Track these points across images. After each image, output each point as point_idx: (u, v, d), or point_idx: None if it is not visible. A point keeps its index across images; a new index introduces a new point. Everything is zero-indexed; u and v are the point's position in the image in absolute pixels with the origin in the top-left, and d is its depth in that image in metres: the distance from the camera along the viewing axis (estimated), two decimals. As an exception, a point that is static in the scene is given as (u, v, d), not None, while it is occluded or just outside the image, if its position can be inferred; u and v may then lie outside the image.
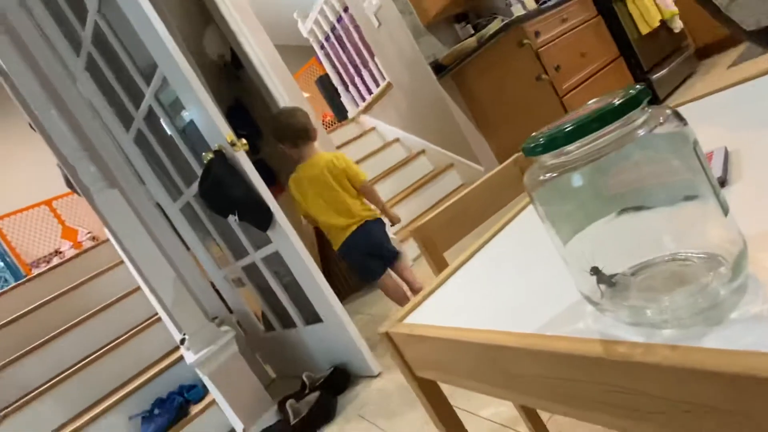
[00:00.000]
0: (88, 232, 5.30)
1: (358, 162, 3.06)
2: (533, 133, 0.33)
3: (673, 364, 0.25)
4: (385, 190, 3.00)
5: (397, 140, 3.53)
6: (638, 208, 0.33)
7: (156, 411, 1.85)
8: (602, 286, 0.31)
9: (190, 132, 1.77)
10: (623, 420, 0.29)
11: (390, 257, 1.77)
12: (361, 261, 1.76)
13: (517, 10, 2.64)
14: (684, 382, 0.25)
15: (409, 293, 1.79)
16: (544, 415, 0.84)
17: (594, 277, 0.33)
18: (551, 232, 0.34)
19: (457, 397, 0.84)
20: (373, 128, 3.74)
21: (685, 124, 0.28)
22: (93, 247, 3.23)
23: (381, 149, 3.41)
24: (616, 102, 0.28)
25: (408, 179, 3.20)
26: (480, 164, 3.01)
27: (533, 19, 2.45)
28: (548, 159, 0.31)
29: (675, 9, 2.82)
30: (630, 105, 0.27)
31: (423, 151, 3.35)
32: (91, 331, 2.38)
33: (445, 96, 2.93)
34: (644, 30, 2.68)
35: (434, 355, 0.47)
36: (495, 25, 2.59)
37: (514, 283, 0.47)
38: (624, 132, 0.28)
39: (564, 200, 0.33)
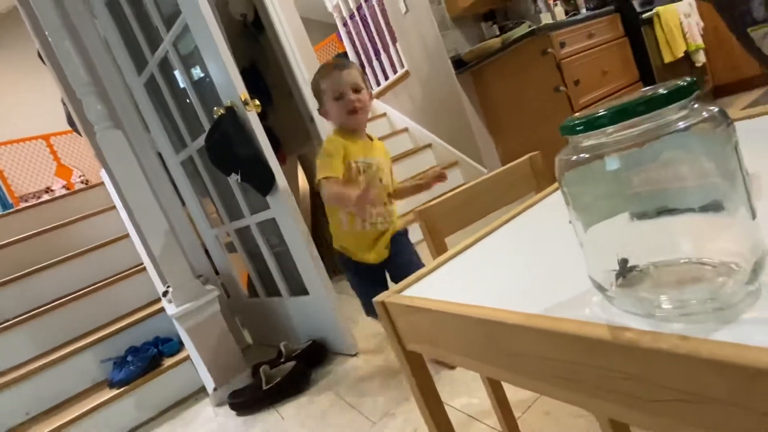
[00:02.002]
0: (81, 175, 5.23)
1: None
2: (572, 116, 0.33)
3: (684, 353, 0.25)
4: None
5: (405, 130, 3.52)
6: (664, 208, 0.33)
7: (129, 358, 1.85)
8: (619, 278, 0.31)
9: (203, 85, 1.75)
10: (622, 407, 0.29)
11: None
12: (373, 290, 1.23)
13: (546, 18, 2.63)
14: (691, 372, 0.25)
15: None
16: (516, 411, 0.85)
17: (612, 268, 0.33)
18: (574, 216, 0.34)
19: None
20: (384, 114, 3.72)
21: (730, 123, 0.28)
22: (85, 189, 3.19)
23: (388, 136, 3.39)
24: (665, 90, 0.27)
25: (410, 171, 3.19)
26: (484, 166, 3.01)
27: (560, 30, 2.43)
28: (584, 140, 0.31)
29: (701, 43, 2.82)
30: (679, 94, 0.27)
31: (430, 145, 3.34)
32: (73, 271, 2.36)
33: (460, 93, 2.91)
34: (667, 58, 2.68)
35: (430, 329, 0.47)
36: (522, 30, 2.58)
37: (521, 268, 0.47)
38: (666, 122, 0.28)
39: (592, 186, 0.33)
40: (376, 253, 1.35)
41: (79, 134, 2.26)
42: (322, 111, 1.34)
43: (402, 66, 3.39)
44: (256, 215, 1.74)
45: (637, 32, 2.68)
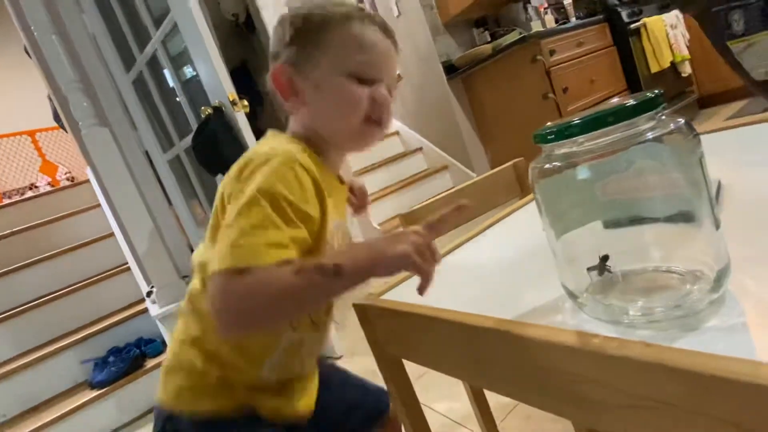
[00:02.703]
0: (67, 172, 5.16)
1: (354, 147, 3.04)
2: (547, 124, 0.33)
3: (646, 360, 0.25)
4: (375, 182, 2.99)
5: (396, 133, 3.53)
6: (634, 218, 0.34)
7: (110, 359, 1.82)
8: (593, 275, 0.32)
9: (191, 85, 1.74)
10: (588, 413, 0.30)
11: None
12: None
13: (536, 26, 2.66)
14: (654, 378, 0.25)
15: None
16: (497, 416, 0.86)
17: (584, 276, 0.33)
18: (546, 224, 0.34)
19: (414, 387, 0.85)
20: (375, 117, 3.73)
21: (695, 135, 0.29)
22: (70, 186, 3.14)
23: (379, 139, 3.39)
24: (633, 102, 0.28)
25: (400, 174, 3.19)
26: (474, 171, 3.03)
27: (550, 38, 2.46)
28: (557, 149, 0.31)
29: (687, 54, 2.88)
30: (645, 107, 0.28)
31: (420, 149, 3.35)
32: (56, 270, 2.32)
33: (451, 97, 2.93)
34: (654, 68, 2.73)
35: (408, 333, 0.48)
36: (512, 37, 2.60)
37: (499, 274, 0.48)
38: (634, 133, 0.29)
39: (565, 195, 0.34)
40: (309, 397, 0.66)
41: (66, 131, 2.23)
42: (284, 81, 0.57)
43: (394, 70, 3.40)
44: (243, 216, 1.73)
45: (625, 42, 2.73)
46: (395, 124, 3.61)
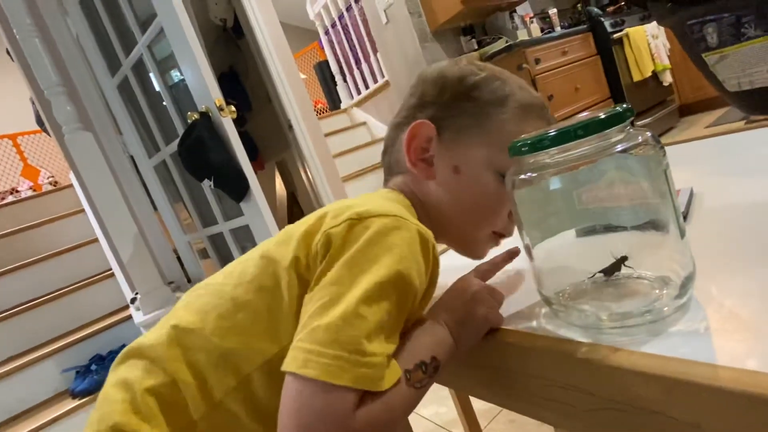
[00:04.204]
0: (50, 176, 5.06)
1: (344, 154, 3.05)
2: (521, 136, 0.34)
3: (614, 364, 0.26)
4: (364, 187, 2.99)
5: (385, 139, 3.55)
6: (605, 226, 0.35)
7: (93, 367, 1.79)
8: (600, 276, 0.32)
9: (178, 90, 1.73)
10: (559, 416, 0.31)
11: None
12: None
13: (522, 35, 2.71)
14: (622, 382, 0.26)
15: None
16: (482, 421, 0.86)
17: (558, 284, 0.34)
18: (523, 233, 0.35)
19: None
20: (365, 123, 3.74)
21: (661, 147, 0.30)
22: (52, 191, 3.09)
23: (368, 144, 3.41)
24: (602, 116, 0.29)
25: (389, 179, 3.21)
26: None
27: (536, 46, 2.51)
28: (530, 160, 0.32)
29: (668, 63, 2.95)
30: (614, 120, 0.29)
31: (408, 154, 3.37)
32: (38, 276, 2.28)
33: (439, 104, 2.96)
34: (636, 77, 2.79)
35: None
36: (498, 45, 2.64)
37: (478, 281, 0.49)
38: (604, 145, 0.30)
39: (539, 205, 0.35)
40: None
41: (49, 134, 2.19)
42: (423, 141, 0.45)
43: (383, 76, 3.42)
44: (230, 221, 1.72)
45: (608, 51, 2.79)
46: (384, 130, 3.62)
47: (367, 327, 0.30)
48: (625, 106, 0.30)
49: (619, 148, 0.29)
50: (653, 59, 2.85)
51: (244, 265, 0.41)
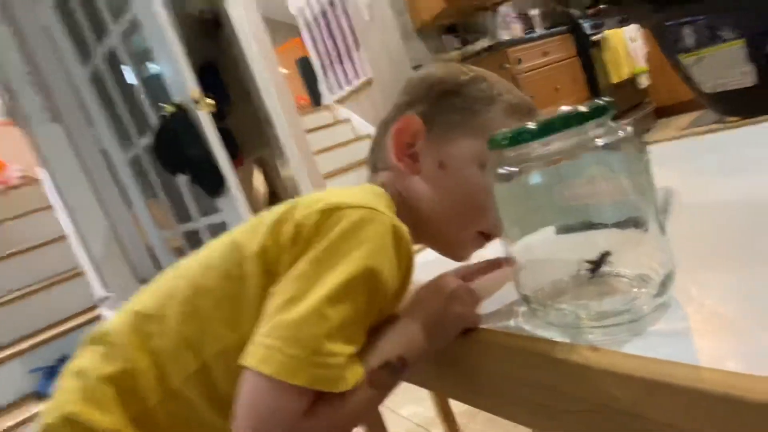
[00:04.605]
0: (20, 170, 4.86)
1: (326, 151, 3.02)
2: (501, 130, 0.33)
3: (592, 365, 0.26)
4: (348, 183, 2.97)
5: (369, 136, 3.53)
6: (585, 223, 0.34)
7: (61, 368, 1.72)
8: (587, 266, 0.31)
9: (153, 81, 1.67)
10: (536, 416, 0.30)
11: None
12: None
13: (504, 34, 2.72)
14: (600, 383, 0.25)
15: None
16: (462, 420, 0.86)
17: (539, 282, 0.33)
18: (503, 228, 0.34)
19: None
20: (348, 120, 3.71)
21: (642, 142, 0.29)
22: (20, 186, 2.97)
23: (352, 141, 3.39)
24: (583, 109, 0.28)
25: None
26: (443, 175, 3.06)
27: (517, 46, 2.53)
28: (511, 154, 0.31)
29: (645, 66, 3.01)
30: (594, 114, 0.28)
31: (391, 152, 3.36)
32: (4, 273, 2.18)
33: (421, 102, 2.96)
34: (614, 79, 2.84)
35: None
36: (481, 44, 2.65)
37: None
38: (584, 140, 0.29)
39: (519, 200, 0.34)
40: None
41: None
42: (410, 137, 0.45)
43: (365, 73, 3.40)
44: (206, 218, 1.68)
45: (587, 53, 2.83)
46: (368, 128, 3.61)
47: (329, 326, 0.30)
48: (606, 99, 0.29)
49: (601, 142, 0.29)
50: (630, 62, 2.90)
51: (212, 250, 0.41)
